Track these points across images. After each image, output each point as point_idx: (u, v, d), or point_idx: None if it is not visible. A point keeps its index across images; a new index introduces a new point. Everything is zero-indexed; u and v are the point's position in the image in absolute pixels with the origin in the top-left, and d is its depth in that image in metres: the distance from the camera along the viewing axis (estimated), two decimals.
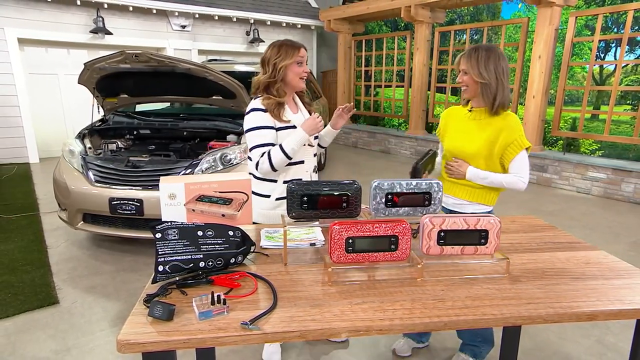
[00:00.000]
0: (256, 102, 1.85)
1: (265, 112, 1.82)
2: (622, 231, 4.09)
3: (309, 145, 1.94)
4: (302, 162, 1.94)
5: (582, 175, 5.50)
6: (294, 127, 1.87)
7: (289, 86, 1.89)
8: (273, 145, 1.83)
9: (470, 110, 1.86)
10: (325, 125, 2.02)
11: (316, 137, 2.04)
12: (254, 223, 1.96)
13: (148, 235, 3.15)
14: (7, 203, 4.69)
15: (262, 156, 1.81)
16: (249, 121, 1.85)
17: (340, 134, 9.19)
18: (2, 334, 2.37)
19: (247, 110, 1.87)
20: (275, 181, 1.90)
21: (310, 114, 1.99)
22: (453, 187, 1.91)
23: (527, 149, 1.80)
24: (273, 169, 1.81)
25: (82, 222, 3.32)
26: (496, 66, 1.72)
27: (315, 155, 2.05)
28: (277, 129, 1.85)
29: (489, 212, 1.89)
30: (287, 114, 1.89)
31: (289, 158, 1.81)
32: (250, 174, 1.96)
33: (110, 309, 2.63)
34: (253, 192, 1.94)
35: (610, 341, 2.34)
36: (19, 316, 2.54)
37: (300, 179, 1.94)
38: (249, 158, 1.96)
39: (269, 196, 1.92)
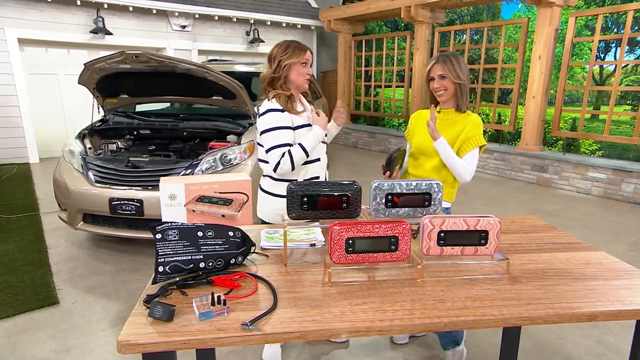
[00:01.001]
0: (271, 103, 1.85)
1: (282, 111, 1.84)
2: (622, 231, 4.10)
3: (322, 142, 1.98)
4: (319, 159, 1.97)
5: (582, 175, 5.50)
6: (309, 125, 1.92)
7: (292, 85, 1.90)
8: (290, 145, 1.83)
9: (439, 112, 1.99)
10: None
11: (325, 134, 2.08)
12: (264, 222, 1.97)
13: (148, 235, 3.14)
14: (7, 203, 4.69)
15: (282, 157, 1.80)
16: (265, 122, 1.84)
17: (340, 134, 9.19)
18: (3, 334, 2.37)
19: (262, 111, 1.86)
20: (296, 180, 1.90)
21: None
22: None
23: (481, 147, 1.93)
24: (292, 168, 1.83)
25: (82, 222, 3.32)
26: (465, 69, 1.90)
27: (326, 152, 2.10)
28: (295, 128, 1.87)
29: (447, 209, 2.02)
30: (299, 108, 1.92)
31: (308, 156, 1.85)
32: (265, 176, 1.97)
33: (110, 309, 2.63)
34: (270, 194, 1.95)
35: (610, 341, 2.34)
36: (19, 316, 2.55)
37: (318, 177, 1.98)
38: (260, 160, 1.96)
39: None
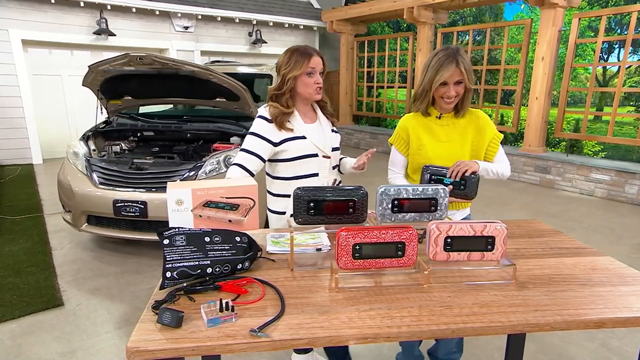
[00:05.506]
0: (264, 110, 1.75)
1: (270, 122, 1.71)
2: (625, 233, 4.09)
3: (323, 157, 1.78)
4: (317, 174, 1.79)
5: (585, 176, 5.49)
6: (303, 137, 1.73)
7: (301, 97, 1.75)
8: (257, 156, 1.71)
9: (438, 117, 1.79)
10: None
11: (337, 149, 1.90)
12: None
13: (152, 237, 3.16)
14: (11, 204, 4.70)
15: (237, 165, 1.70)
16: (253, 125, 1.77)
17: (342, 136, 9.16)
18: (8, 336, 2.38)
19: (257, 114, 1.78)
20: (290, 196, 1.73)
21: (333, 124, 1.88)
22: None
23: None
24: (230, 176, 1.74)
25: (86, 223, 3.33)
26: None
27: (335, 167, 1.90)
28: (280, 142, 1.72)
29: (469, 216, 1.93)
30: (296, 122, 1.75)
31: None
32: (268, 191, 1.87)
33: (115, 311, 2.64)
34: (268, 209, 1.86)
35: (615, 345, 2.34)
36: (24, 318, 2.56)
37: None
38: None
39: (284, 213, 1.80)
